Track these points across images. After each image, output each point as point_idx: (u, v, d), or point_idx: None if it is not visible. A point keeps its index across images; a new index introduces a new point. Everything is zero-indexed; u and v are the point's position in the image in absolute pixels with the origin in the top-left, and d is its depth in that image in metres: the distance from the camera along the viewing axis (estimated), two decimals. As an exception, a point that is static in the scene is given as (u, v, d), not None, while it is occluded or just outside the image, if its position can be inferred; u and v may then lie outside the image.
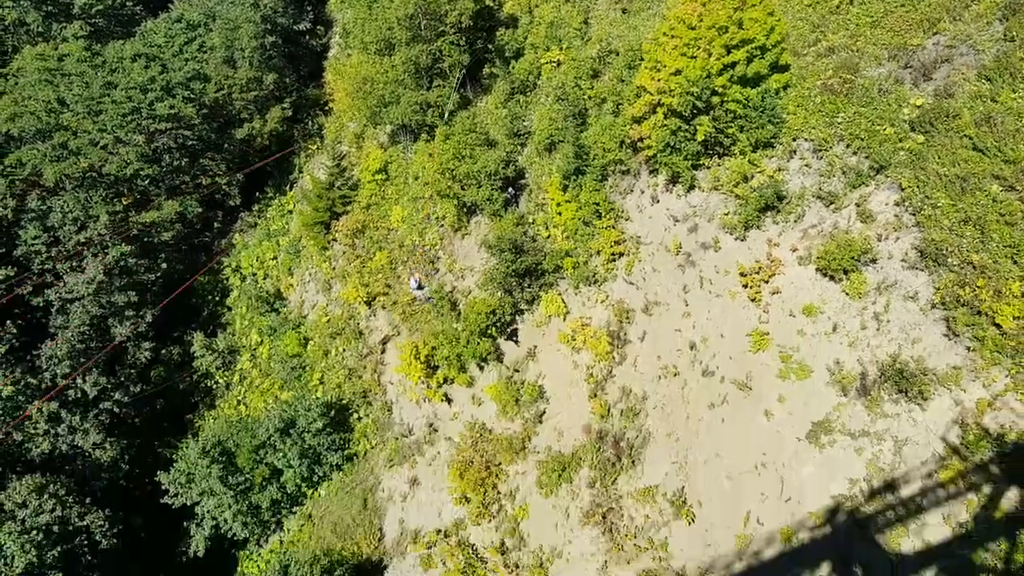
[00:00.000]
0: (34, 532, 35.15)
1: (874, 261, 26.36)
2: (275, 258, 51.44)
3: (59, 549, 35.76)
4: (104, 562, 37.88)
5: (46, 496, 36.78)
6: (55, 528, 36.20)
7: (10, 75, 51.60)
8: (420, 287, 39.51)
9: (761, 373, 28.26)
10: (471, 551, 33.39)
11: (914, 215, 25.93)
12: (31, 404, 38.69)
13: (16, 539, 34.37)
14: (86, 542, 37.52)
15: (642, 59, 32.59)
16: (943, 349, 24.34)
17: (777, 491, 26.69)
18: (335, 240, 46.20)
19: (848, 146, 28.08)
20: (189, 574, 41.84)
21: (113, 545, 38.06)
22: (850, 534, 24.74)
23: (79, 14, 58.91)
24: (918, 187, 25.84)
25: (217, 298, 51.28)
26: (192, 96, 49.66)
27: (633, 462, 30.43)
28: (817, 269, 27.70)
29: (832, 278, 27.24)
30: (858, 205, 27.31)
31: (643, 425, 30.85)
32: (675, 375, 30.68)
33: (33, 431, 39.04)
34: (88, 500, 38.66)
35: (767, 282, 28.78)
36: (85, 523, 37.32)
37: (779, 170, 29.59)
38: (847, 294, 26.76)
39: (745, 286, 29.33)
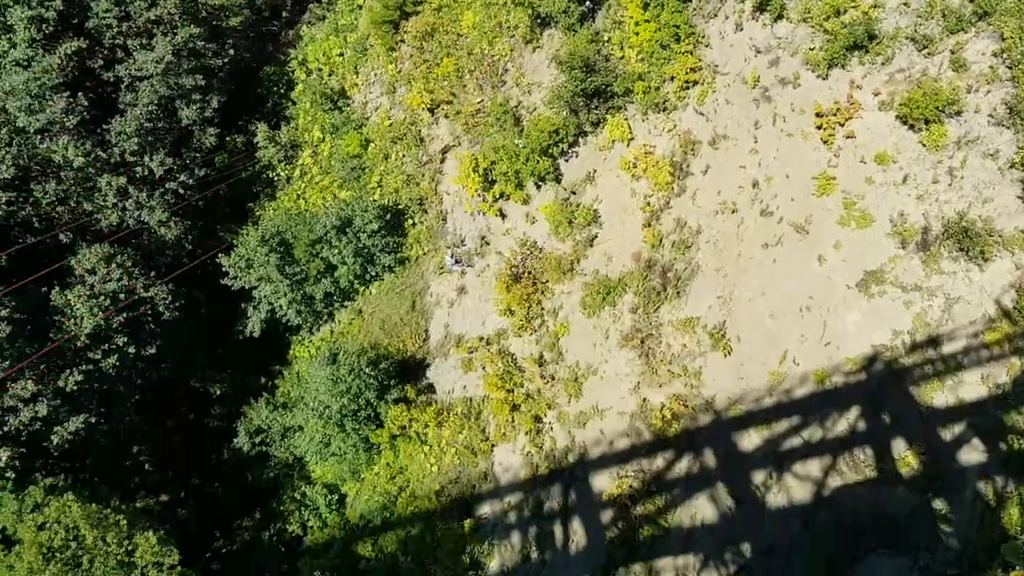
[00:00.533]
0: (102, 298, 37.15)
1: (959, 114, 25.21)
2: (341, 55, 50.59)
3: (125, 315, 37.91)
4: (166, 332, 40.18)
5: (114, 265, 38.53)
6: (121, 296, 38.20)
7: None
8: (457, 261, 38.95)
9: (821, 218, 27.87)
10: (510, 360, 34.72)
11: (1011, 68, 24.46)
12: (101, 177, 39.87)
13: (85, 302, 36.40)
14: (150, 312, 39.68)
15: None
16: (1014, 211, 23.67)
17: (818, 335, 26.98)
18: (403, 41, 45.11)
19: (953, -14, 26.16)
20: (244, 350, 44.42)
21: (175, 317, 40.17)
22: (885, 384, 25.17)
23: None
24: (1020, 38, 24.19)
25: (282, 90, 51.05)
26: None
27: (678, 293, 30.78)
28: (897, 116, 26.62)
29: (911, 127, 26.20)
30: (952, 52, 25.79)
31: (693, 258, 30.93)
32: (733, 212, 30.38)
33: (103, 203, 40.44)
34: (152, 274, 40.54)
35: (843, 125, 27.78)
36: (150, 294, 39.28)
37: (875, 6, 27.79)
38: (924, 145, 25.81)
39: (819, 127, 28.37)
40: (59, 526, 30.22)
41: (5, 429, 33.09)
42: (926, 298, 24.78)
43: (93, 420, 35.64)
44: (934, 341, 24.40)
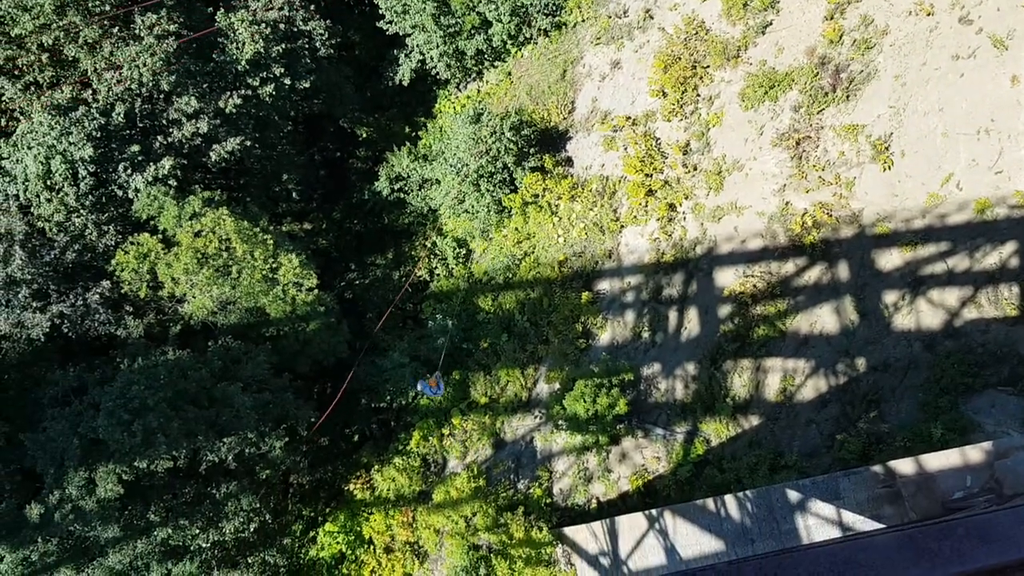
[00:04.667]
0: (263, 25, 37.76)
1: None
2: None
3: (283, 47, 38.57)
4: (320, 68, 40.84)
5: None
6: (281, 26, 38.71)
7: None
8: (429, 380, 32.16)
9: (1027, 34, 25.00)
10: (655, 143, 33.94)
11: None
12: None
13: (248, 27, 37.10)
14: (307, 46, 40.19)
15: None
16: None
17: (991, 161, 25.11)
18: None
19: None
20: (392, 97, 45.00)
21: (330, 54, 40.67)
22: (1052, 222, 23.50)
23: None
24: None
25: None
26: None
27: (847, 96, 28.84)
28: None
29: None
30: None
31: (872, 60, 28.62)
32: (929, 15, 27.57)
33: None
34: (312, 7, 40.65)
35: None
36: (308, 28, 39.61)
37: None
38: None
39: (1056, -74, 24.76)
40: (213, 236, 32.68)
41: (169, 140, 35.22)
42: None
43: (248, 143, 37.37)
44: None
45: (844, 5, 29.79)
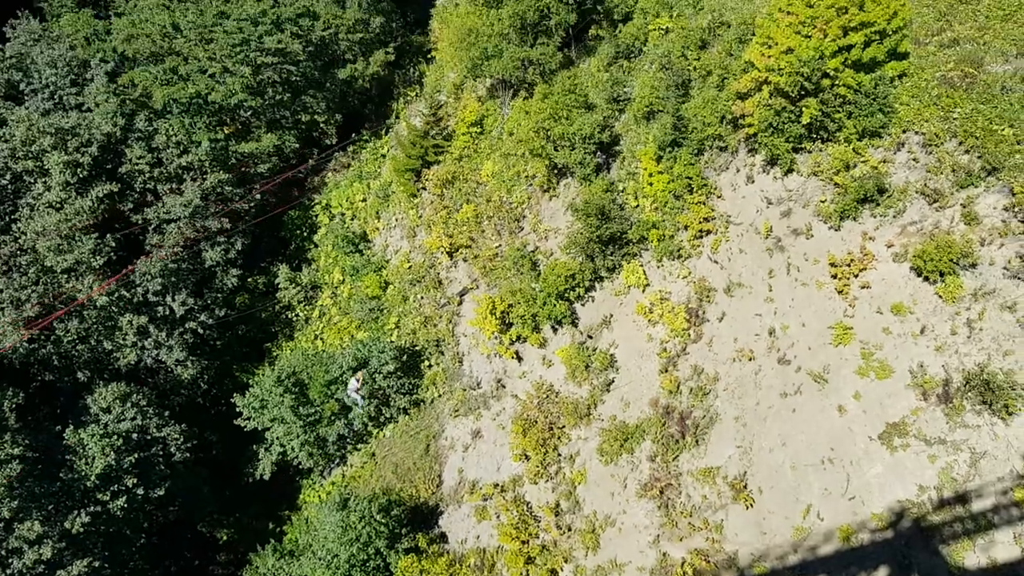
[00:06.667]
0: (115, 437, 36.95)
1: (973, 266, 25.33)
2: (364, 200, 52.23)
3: (136, 456, 37.56)
4: (176, 473, 39.68)
5: (129, 404, 38.59)
6: (134, 436, 38.02)
7: (131, -2, 53.42)
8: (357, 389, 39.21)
9: (839, 367, 27.60)
10: (526, 508, 33.83)
11: (1023, 223, 24.74)
12: (123, 316, 40.50)
13: (98, 441, 36.20)
14: (161, 452, 39.32)
15: (754, 34, 31.74)
16: (1036, 365, 23.36)
17: (842, 488, 26.20)
18: (424, 188, 46.63)
19: (961, 143, 26.85)
20: (254, 494, 43.59)
21: (186, 458, 39.84)
22: (913, 542, 24.19)
23: (201, -57, 60.21)
24: (1032, 193, 24.63)
25: (305, 234, 52.49)
26: (300, 32, 50.50)
27: (697, 441, 30.22)
28: (912, 268, 26.77)
29: (926, 279, 26.29)
30: (964, 206, 26.20)
31: (711, 406, 30.55)
32: (750, 359, 30.21)
33: (122, 342, 40.90)
34: (167, 413, 40.46)
35: (857, 276, 27.95)
36: (162, 434, 39.08)
37: (884, 161, 28.53)
38: (940, 297, 25.82)
39: (834, 276, 28.55)
40: None
41: (8, 572, 32.23)
42: (951, 452, 24.15)
43: (97, 564, 34.67)
44: (962, 498, 23.58)
45: (675, 358, 32.33)
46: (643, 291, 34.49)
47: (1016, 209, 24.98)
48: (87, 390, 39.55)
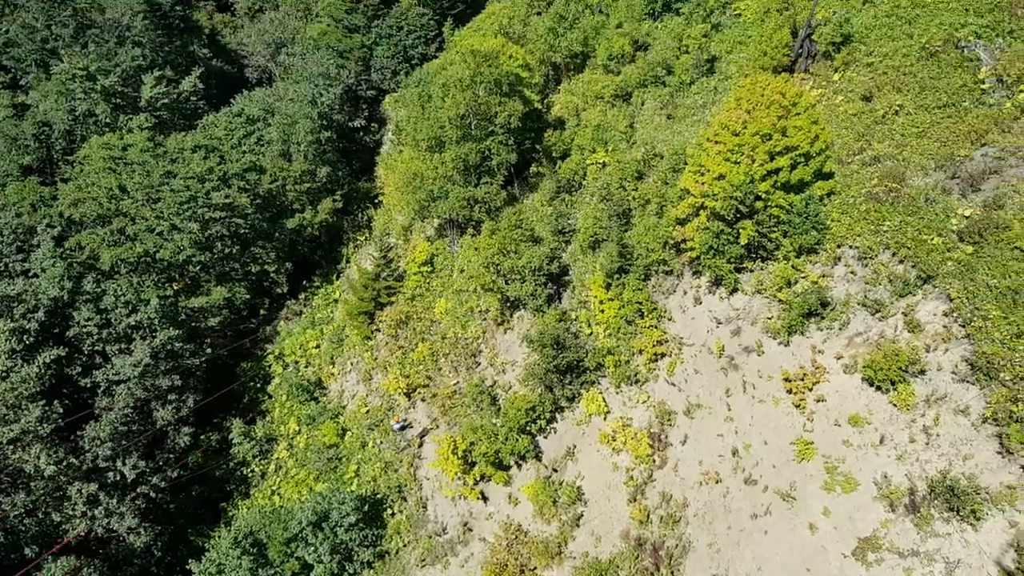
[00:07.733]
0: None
1: (923, 372, 25.71)
2: (318, 346, 51.88)
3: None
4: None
5: (78, 581, 36.58)
6: None
7: (76, 162, 53.98)
8: (403, 428, 41.04)
9: (805, 483, 27.38)
10: (502, 658, 32.22)
11: (964, 327, 25.36)
12: (72, 485, 38.85)
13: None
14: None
15: (686, 163, 33.06)
16: (996, 467, 23.40)
17: (823, 610, 25.48)
18: (378, 330, 46.54)
19: (894, 254, 27.78)
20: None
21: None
22: (901, 661, 23.42)
23: (145, 107, 61.68)
24: (967, 298, 25.35)
25: (258, 385, 51.64)
26: (247, 187, 51.30)
27: (672, 573, 29.38)
28: (863, 378, 27.08)
29: (879, 388, 26.57)
30: (905, 314, 26.83)
31: (683, 533, 29.90)
32: (717, 482, 29.87)
33: (71, 512, 39.09)
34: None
35: (811, 389, 28.17)
36: None
37: (823, 276, 29.32)
38: (895, 405, 26.04)
39: (789, 391, 28.74)
40: None
41: None
42: (925, 563, 23.74)
43: None
44: (945, 610, 23.08)
45: (643, 486, 31.84)
46: (604, 419, 34.29)
47: (955, 315, 25.64)
48: (35, 568, 37.35)
